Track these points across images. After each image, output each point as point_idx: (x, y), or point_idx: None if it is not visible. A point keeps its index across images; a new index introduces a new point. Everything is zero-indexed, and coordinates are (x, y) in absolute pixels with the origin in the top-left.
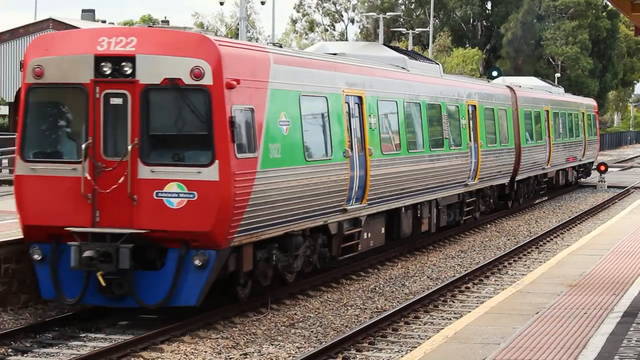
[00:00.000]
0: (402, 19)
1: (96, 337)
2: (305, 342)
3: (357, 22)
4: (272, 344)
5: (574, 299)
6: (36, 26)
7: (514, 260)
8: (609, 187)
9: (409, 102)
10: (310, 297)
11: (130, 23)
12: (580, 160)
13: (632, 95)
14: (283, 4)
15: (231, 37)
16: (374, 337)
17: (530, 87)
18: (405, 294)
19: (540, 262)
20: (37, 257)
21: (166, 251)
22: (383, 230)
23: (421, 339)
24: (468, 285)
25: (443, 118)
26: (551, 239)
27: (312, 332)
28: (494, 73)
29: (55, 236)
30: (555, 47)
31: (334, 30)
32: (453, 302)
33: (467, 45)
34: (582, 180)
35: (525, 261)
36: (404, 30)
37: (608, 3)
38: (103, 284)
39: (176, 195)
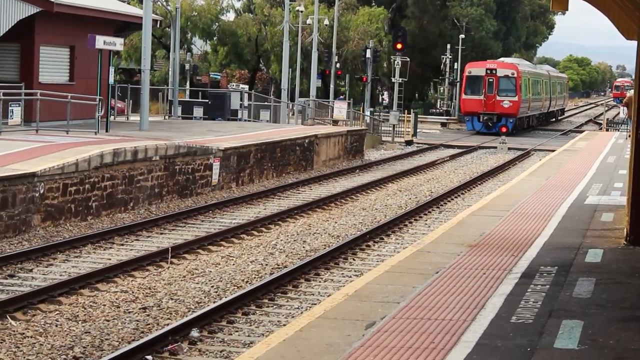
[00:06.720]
0: None
1: None
2: (205, 297)
3: None
4: (172, 299)
5: (474, 259)
6: None
7: (415, 220)
8: (509, 149)
9: (537, 79)
10: (211, 252)
11: None
12: (563, 104)
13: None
14: None
15: None
16: (274, 294)
17: (550, 70)
18: (306, 250)
19: (441, 221)
20: (467, 119)
21: (502, 118)
22: (527, 122)
23: (321, 296)
24: (369, 243)
25: (545, 84)
26: (452, 199)
27: (212, 287)
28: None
29: (473, 115)
30: (460, 9)
31: None
32: (354, 260)
33: (373, 4)
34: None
35: (427, 220)
36: None
37: None
38: (490, 125)
39: (506, 103)
